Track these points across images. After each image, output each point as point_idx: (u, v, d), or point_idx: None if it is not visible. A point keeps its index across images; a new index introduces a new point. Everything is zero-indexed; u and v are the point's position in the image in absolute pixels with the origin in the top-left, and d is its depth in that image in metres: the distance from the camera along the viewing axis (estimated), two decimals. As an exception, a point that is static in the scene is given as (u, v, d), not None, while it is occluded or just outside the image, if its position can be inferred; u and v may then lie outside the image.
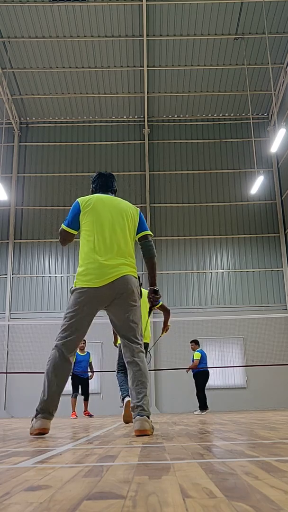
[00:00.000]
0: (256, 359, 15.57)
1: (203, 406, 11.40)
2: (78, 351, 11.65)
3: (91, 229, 3.65)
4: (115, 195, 4.05)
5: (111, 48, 16.26)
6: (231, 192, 18.05)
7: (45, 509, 1.03)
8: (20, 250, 17.50)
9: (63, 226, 3.80)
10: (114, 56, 16.54)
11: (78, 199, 3.83)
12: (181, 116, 18.89)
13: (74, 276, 17.35)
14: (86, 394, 11.77)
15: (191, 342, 11.98)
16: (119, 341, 6.42)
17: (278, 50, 16.29)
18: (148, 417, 3.37)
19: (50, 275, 17.24)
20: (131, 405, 3.45)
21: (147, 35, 15.74)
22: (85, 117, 18.84)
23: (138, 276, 3.85)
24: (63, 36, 15.75)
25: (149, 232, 3.92)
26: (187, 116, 18.89)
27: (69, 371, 3.62)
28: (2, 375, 15.69)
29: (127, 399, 5.73)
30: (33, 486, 1.32)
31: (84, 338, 12.25)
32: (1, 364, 16.01)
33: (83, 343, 11.73)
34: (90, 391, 12.10)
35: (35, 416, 3.54)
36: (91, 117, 18.85)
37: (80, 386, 11.64)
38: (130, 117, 18.88)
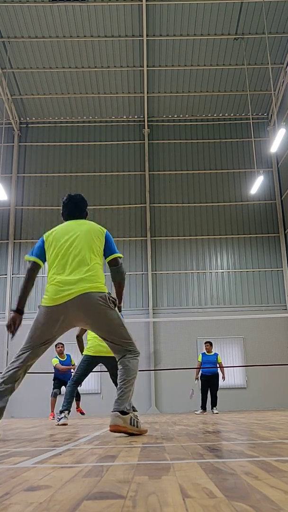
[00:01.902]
0: (256, 359, 15.56)
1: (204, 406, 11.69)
2: (58, 356, 11.47)
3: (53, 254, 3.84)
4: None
5: (111, 48, 16.26)
6: (231, 192, 18.04)
7: (45, 509, 1.03)
8: (20, 250, 17.50)
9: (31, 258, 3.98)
10: (114, 56, 16.53)
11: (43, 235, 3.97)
12: (181, 116, 18.89)
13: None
14: (76, 394, 11.61)
15: (207, 343, 12.12)
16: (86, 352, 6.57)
17: (278, 50, 16.29)
18: (122, 413, 3.36)
19: (50, 275, 17.22)
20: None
21: (147, 35, 15.74)
22: (85, 117, 18.84)
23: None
24: (63, 36, 15.75)
25: (118, 254, 3.90)
26: (187, 116, 18.89)
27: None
28: (2, 375, 15.68)
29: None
30: (33, 486, 1.32)
31: (62, 342, 11.97)
32: (1, 364, 16.01)
33: (61, 347, 11.46)
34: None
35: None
36: (91, 117, 18.85)
37: (65, 387, 11.36)
38: (130, 117, 18.88)
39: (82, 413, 11.62)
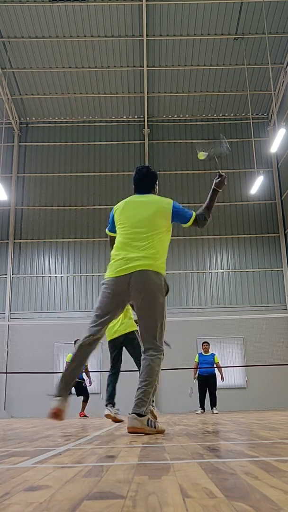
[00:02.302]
0: (256, 359, 15.56)
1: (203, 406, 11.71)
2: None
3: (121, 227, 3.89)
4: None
5: (111, 48, 16.26)
6: (231, 192, 18.04)
7: (45, 509, 1.03)
8: (20, 250, 17.50)
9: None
10: (114, 56, 16.53)
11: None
12: (181, 116, 18.88)
13: (74, 276, 17.40)
14: (84, 395, 11.67)
15: (205, 343, 12.11)
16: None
17: (278, 50, 16.28)
18: (139, 415, 3.38)
19: (50, 275, 17.24)
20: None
21: (147, 35, 15.74)
22: (85, 117, 18.83)
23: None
24: (63, 36, 15.75)
25: (193, 217, 3.92)
26: (187, 116, 18.89)
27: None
28: (2, 375, 15.68)
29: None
30: (33, 486, 1.32)
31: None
32: (1, 364, 16.01)
33: None
34: (89, 391, 12.04)
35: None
36: (91, 117, 18.85)
37: (75, 388, 11.45)
38: (130, 117, 18.87)
39: (85, 416, 11.63)
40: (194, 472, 1.50)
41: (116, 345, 6.44)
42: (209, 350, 12.09)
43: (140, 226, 3.78)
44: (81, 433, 4.03)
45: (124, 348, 6.46)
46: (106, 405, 6.21)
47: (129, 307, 5.98)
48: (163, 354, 3.65)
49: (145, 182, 4.13)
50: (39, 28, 15.45)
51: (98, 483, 1.35)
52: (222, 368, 12.10)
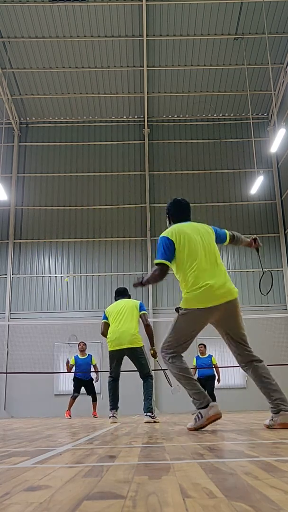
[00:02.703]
0: (256, 359, 15.55)
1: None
2: (78, 355, 11.61)
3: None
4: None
5: (111, 48, 16.26)
6: (231, 192, 18.04)
7: (45, 509, 1.03)
8: (20, 250, 17.50)
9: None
10: (114, 56, 16.53)
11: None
12: (181, 116, 18.88)
13: (73, 276, 17.39)
14: (92, 395, 11.72)
15: (201, 345, 11.98)
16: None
17: (278, 50, 16.28)
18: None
19: (50, 275, 17.24)
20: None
21: (147, 35, 15.74)
22: (85, 117, 18.83)
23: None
24: (63, 36, 15.75)
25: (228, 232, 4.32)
26: (187, 116, 18.89)
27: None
28: (2, 375, 15.68)
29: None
30: (33, 486, 1.32)
31: (84, 341, 12.26)
32: (1, 364, 16.01)
33: (83, 345, 11.60)
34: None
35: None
36: (91, 117, 18.85)
37: (85, 388, 11.54)
38: (130, 117, 18.87)
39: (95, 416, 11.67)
40: (194, 472, 1.50)
41: (120, 356, 6.30)
42: (206, 352, 11.97)
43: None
44: (81, 433, 4.03)
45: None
46: (112, 410, 6.30)
47: (138, 317, 6.21)
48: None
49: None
50: (39, 28, 15.45)
51: (98, 483, 1.35)
52: (220, 369, 12.03)
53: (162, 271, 3.92)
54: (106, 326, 6.48)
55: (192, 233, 3.93)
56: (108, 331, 6.34)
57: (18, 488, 1.30)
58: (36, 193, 18.09)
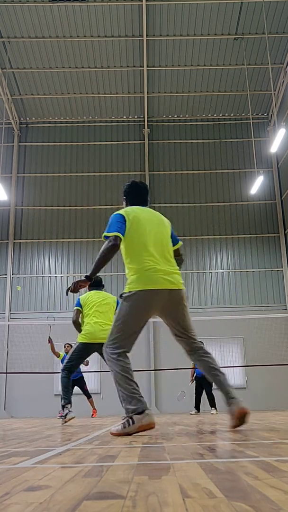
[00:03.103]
0: (256, 359, 15.56)
1: (197, 406, 11.67)
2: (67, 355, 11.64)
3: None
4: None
5: (111, 48, 16.26)
6: (231, 192, 18.04)
7: (45, 509, 1.03)
8: (20, 250, 17.50)
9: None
10: (114, 56, 16.53)
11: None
12: (181, 116, 18.89)
13: (73, 276, 17.39)
14: (85, 392, 11.72)
15: None
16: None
17: (278, 50, 16.29)
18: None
19: (50, 275, 17.24)
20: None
21: (147, 35, 15.74)
22: (85, 117, 18.84)
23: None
24: (63, 36, 15.75)
25: (181, 242, 4.15)
26: (187, 116, 18.89)
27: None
28: (2, 375, 15.69)
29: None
30: (33, 486, 1.32)
31: (70, 343, 12.30)
32: (1, 364, 16.01)
33: (68, 347, 11.63)
34: (89, 391, 12.05)
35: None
36: (91, 117, 18.85)
37: (78, 387, 11.54)
38: (130, 117, 18.88)
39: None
40: (194, 472, 1.50)
41: (91, 351, 5.94)
42: None
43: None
44: (81, 433, 4.03)
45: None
46: (68, 405, 5.97)
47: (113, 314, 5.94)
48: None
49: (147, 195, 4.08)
50: (39, 28, 15.45)
51: (98, 483, 1.35)
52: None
53: (114, 245, 3.55)
54: (79, 314, 6.13)
55: (147, 217, 3.77)
56: (85, 321, 5.99)
57: (18, 488, 1.29)
58: (36, 193, 18.09)
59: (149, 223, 3.75)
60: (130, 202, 4.00)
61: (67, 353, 11.63)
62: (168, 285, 3.56)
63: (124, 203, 4.07)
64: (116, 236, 3.58)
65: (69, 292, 3.84)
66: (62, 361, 11.65)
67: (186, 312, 3.73)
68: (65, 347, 11.86)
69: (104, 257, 3.55)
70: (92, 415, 11.76)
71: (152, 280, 3.52)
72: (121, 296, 3.65)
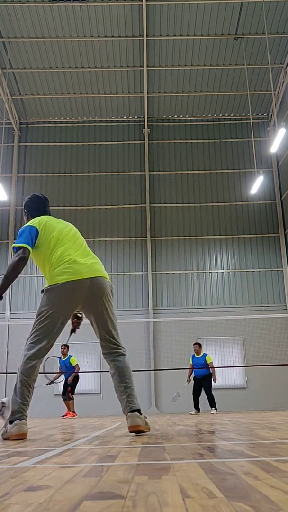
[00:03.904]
0: (256, 359, 15.56)
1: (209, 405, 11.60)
2: (61, 357, 11.93)
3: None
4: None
5: (111, 48, 16.26)
6: (231, 192, 18.04)
7: (45, 509, 1.03)
8: (20, 250, 17.48)
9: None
10: (114, 56, 16.53)
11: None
12: (181, 116, 18.88)
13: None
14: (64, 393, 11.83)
15: (196, 344, 11.90)
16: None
17: (278, 50, 16.28)
18: (139, 411, 3.40)
19: (50, 275, 17.22)
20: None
21: (147, 35, 15.74)
22: (85, 117, 18.84)
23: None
24: (63, 36, 15.75)
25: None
26: (187, 116, 18.89)
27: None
28: (2, 375, 15.68)
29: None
30: (33, 486, 1.32)
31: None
32: (1, 364, 16.01)
33: (65, 348, 11.86)
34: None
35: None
36: (91, 117, 18.85)
37: (73, 388, 11.75)
38: (130, 117, 18.87)
39: (64, 416, 11.66)
40: (194, 472, 1.50)
41: None
42: (202, 351, 11.90)
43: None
44: (81, 433, 4.03)
45: None
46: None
47: None
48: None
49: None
50: (39, 28, 15.45)
51: (98, 483, 1.35)
52: (220, 369, 11.96)
53: (24, 257, 3.56)
54: None
55: (56, 222, 3.87)
56: None
57: (18, 488, 1.30)
58: (36, 193, 18.07)
59: (60, 226, 3.83)
60: (32, 216, 4.02)
61: (63, 354, 11.73)
62: (88, 274, 3.52)
63: (25, 217, 4.09)
64: (25, 248, 3.59)
65: None
66: (63, 362, 11.71)
67: (107, 307, 3.58)
68: (61, 348, 11.86)
69: (14, 269, 3.55)
70: (65, 415, 11.75)
71: (72, 271, 3.49)
72: (42, 291, 3.64)
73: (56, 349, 12.82)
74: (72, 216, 17.83)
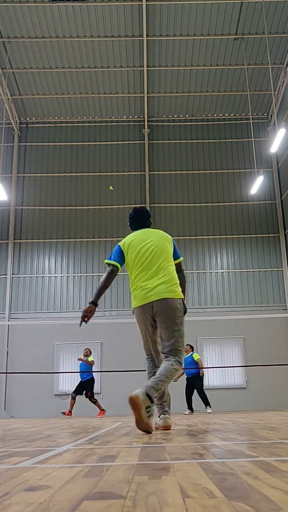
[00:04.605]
0: (256, 359, 15.56)
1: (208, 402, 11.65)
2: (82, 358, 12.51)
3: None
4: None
5: (111, 48, 16.26)
6: (231, 192, 18.04)
7: (45, 509, 1.03)
8: (20, 250, 17.50)
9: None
10: (114, 56, 16.53)
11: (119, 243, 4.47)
12: (181, 116, 18.88)
13: (73, 276, 17.40)
14: (85, 394, 12.05)
15: (187, 345, 11.93)
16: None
17: (278, 50, 16.28)
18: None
19: (50, 275, 17.24)
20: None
21: (147, 35, 15.74)
22: (85, 117, 18.83)
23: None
24: (63, 36, 15.75)
25: (182, 259, 4.50)
26: (187, 116, 18.89)
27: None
28: (2, 375, 15.69)
29: None
30: (33, 486, 1.32)
31: (84, 341, 12.77)
32: (1, 364, 16.01)
33: (87, 351, 12.50)
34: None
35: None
36: (91, 117, 18.85)
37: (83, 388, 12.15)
38: (130, 117, 18.87)
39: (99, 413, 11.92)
40: (194, 472, 1.50)
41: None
42: (190, 351, 11.97)
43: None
44: (81, 433, 4.03)
45: None
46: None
47: None
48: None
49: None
50: (39, 28, 15.45)
51: (98, 483, 1.35)
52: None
53: (111, 271, 4.31)
54: None
55: (139, 242, 4.30)
56: None
57: (18, 488, 1.30)
58: (36, 193, 18.09)
59: (143, 245, 4.27)
60: (132, 228, 4.68)
61: (87, 356, 12.33)
62: (151, 299, 4.04)
63: (130, 227, 4.74)
64: (112, 265, 4.34)
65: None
66: (82, 362, 12.28)
67: (170, 322, 4.03)
68: (84, 351, 12.52)
69: (104, 283, 4.30)
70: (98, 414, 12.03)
71: (140, 297, 4.10)
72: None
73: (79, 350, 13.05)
74: (72, 216, 17.84)
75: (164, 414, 4.12)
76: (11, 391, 15.72)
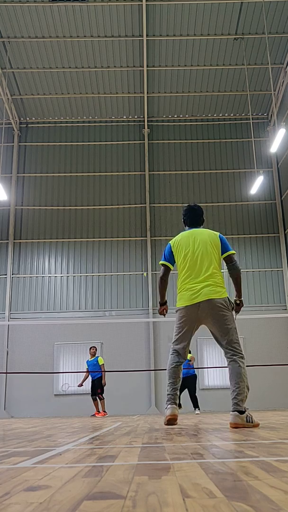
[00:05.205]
0: (256, 359, 15.55)
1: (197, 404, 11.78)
2: (89, 358, 12.77)
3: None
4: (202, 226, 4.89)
5: (111, 48, 16.26)
6: (231, 192, 18.04)
7: (45, 509, 1.03)
8: (20, 250, 17.50)
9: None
10: (114, 56, 16.53)
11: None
12: (181, 116, 18.88)
13: (73, 276, 17.39)
14: (96, 393, 12.33)
15: None
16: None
17: (278, 50, 16.28)
18: (240, 412, 4.14)
19: (50, 275, 17.23)
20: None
21: (147, 35, 15.74)
22: (85, 117, 18.83)
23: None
24: (63, 36, 15.75)
25: (232, 251, 4.67)
26: (187, 116, 18.89)
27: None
28: (2, 375, 15.68)
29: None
30: (33, 486, 1.32)
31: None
32: (1, 364, 16.01)
33: (94, 349, 12.73)
34: (90, 391, 12.25)
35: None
36: (91, 117, 18.85)
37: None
38: (130, 117, 18.87)
39: (94, 415, 12.03)
40: (194, 472, 1.50)
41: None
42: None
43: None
44: (81, 433, 4.03)
45: None
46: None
47: None
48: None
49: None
50: (39, 28, 15.45)
51: (98, 483, 1.35)
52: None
53: (164, 272, 4.64)
54: None
55: (189, 242, 4.54)
56: None
57: (18, 488, 1.30)
58: (36, 193, 18.09)
59: (191, 245, 4.52)
60: (186, 224, 4.99)
61: (93, 355, 12.51)
62: (198, 299, 4.28)
63: (183, 223, 5.03)
64: (163, 265, 4.68)
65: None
66: (90, 362, 12.44)
67: (219, 320, 4.31)
68: (90, 350, 12.74)
69: (159, 283, 4.74)
70: (95, 413, 12.13)
71: (187, 298, 4.33)
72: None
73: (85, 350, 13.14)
74: (72, 216, 17.84)
75: (172, 404, 4.44)
76: (11, 391, 15.72)
